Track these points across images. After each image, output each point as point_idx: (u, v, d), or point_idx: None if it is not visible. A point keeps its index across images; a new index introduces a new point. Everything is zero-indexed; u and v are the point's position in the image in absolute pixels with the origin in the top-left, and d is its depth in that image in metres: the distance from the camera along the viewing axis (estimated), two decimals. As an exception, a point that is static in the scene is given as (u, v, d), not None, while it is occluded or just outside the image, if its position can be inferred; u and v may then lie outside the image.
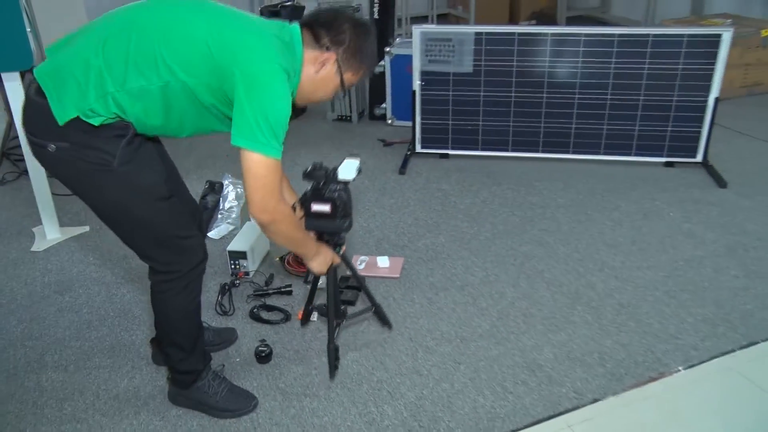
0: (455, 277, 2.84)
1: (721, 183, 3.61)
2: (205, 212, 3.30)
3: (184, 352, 2.06)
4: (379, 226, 3.29)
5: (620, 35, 3.57)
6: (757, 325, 2.49)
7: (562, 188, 3.61)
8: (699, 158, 3.75)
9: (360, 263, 2.91)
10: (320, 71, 1.83)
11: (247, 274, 2.84)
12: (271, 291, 2.73)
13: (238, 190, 3.53)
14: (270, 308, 2.63)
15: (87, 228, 3.31)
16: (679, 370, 2.29)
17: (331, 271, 2.17)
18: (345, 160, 2.13)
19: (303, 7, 4.62)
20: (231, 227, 3.25)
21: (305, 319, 2.54)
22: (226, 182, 3.56)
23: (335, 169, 2.08)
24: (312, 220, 2.10)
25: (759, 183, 3.64)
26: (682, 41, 3.53)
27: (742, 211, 3.34)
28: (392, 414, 2.13)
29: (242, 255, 2.81)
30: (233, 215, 3.33)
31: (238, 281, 2.80)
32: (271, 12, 4.50)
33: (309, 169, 2.05)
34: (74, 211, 3.48)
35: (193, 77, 1.68)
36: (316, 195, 2.07)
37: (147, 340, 2.48)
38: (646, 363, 2.32)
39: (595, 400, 2.17)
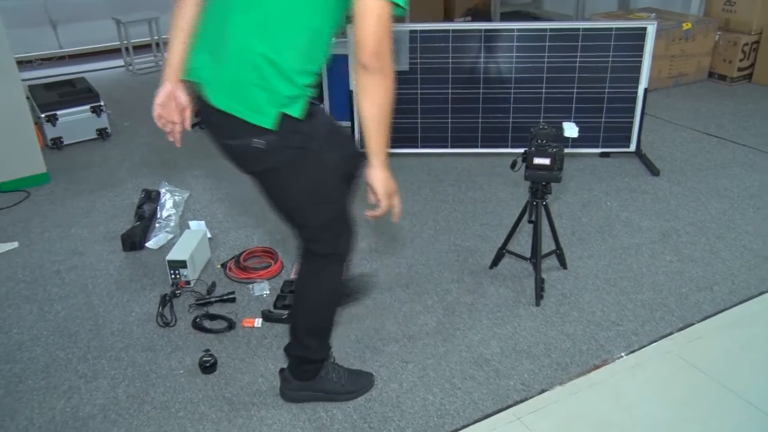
0: (399, 276, 2.84)
1: (654, 171, 3.72)
2: (141, 222, 3.21)
3: (320, 339, 2.11)
4: (322, 228, 3.25)
5: (552, 29, 3.64)
6: (691, 308, 2.58)
7: (503, 182, 3.66)
8: (632, 148, 3.86)
9: (304, 266, 2.87)
10: None
11: (188, 283, 2.77)
12: (213, 299, 2.67)
13: (176, 198, 3.45)
14: (213, 317, 2.58)
15: (16, 244, 3.17)
16: (622, 356, 2.34)
17: (391, 201, 1.87)
18: (564, 123, 2.60)
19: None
20: (169, 236, 3.17)
21: (495, 264, 2.86)
22: (162, 190, 3.48)
23: (559, 129, 2.55)
24: (533, 171, 2.50)
25: (688, 170, 3.77)
26: (611, 34, 3.63)
27: (674, 197, 3.45)
28: (342, 417, 2.11)
29: (182, 264, 2.74)
30: (171, 224, 3.25)
31: (179, 291, 2.73)
32: None
33: (536, 129, 2.49)
34: (1, 227, 3.34)
35: None
36: (540, 151, 2.46)
37: (84, 356, 2.39)
38: (590, 351, 2.37)
39: (543, 391, 2.20)
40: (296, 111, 1.73)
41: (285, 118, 1.72)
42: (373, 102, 1.70)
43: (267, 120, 1.70)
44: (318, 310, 2.07)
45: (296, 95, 1.72)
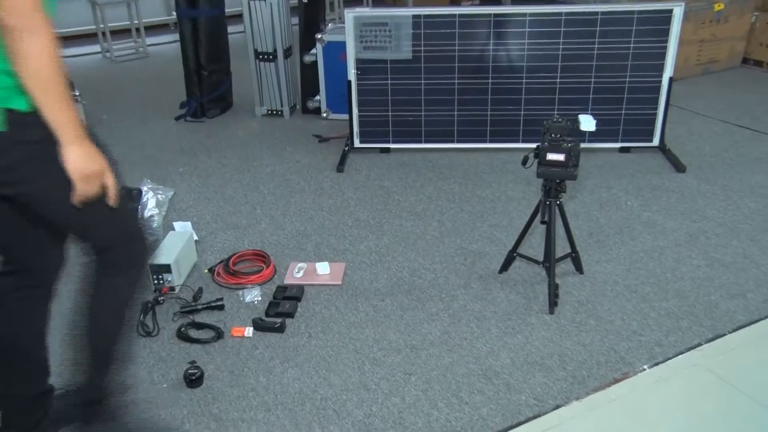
0: (402, 281, 2.85)
1: (679, 167, 3.73)
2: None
3: (114, 367, 2.04)
4: (317, 229, 3.27)
5: (567, 14, 3.66)
6: (722, 317, 2.59)
7: (513, 180, 3.67)
8: (656, 142, 3.87)
9: (298, 271, 2.89)
10: None
11: (172, 289, 2.78)
12: (200, 306, 2.69)
13: (159, 196, 3.47)
14: (200, 326, 2.59)
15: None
16: (644, 369, 2.35)
17: (93, 184, 1.72)
18: (580, 116, 2.61)
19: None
20: (152, 238, 3.18)
21: (505, 268, 2.88)
22: (144, 188, 3.49)
23: (575, 122, 2.55)
24: (546, 167, 2.53)
25: (719, 166, 3.78)
26: (633, 18, 3.64)
27: (702, 196, 3.46)
28: (339, 435, 2.12)
29: (166, 268, 2.75)
30: (154, 225, 3.27)
31: (162, 298, 2.74)
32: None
33: (550, 122, 2.49)
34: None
35: None
36: (554, 146, 2.48)
37: (56, 368, 2.40)
38: (609, 363, 2.38)
39: (558, 407, 2.21)
40: (23, 103, 1.58)
41: (11, 113, 1.57)
42: (38, 69, 1.53)
43: None
44: (113, 330, 1.99)
45: (15, 84, 1.55)
